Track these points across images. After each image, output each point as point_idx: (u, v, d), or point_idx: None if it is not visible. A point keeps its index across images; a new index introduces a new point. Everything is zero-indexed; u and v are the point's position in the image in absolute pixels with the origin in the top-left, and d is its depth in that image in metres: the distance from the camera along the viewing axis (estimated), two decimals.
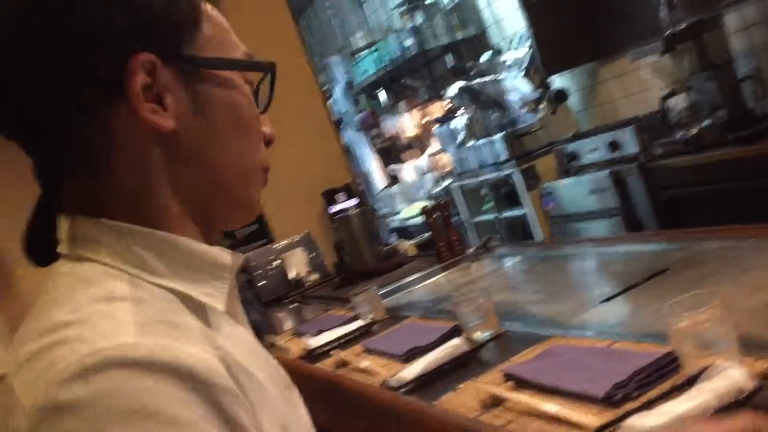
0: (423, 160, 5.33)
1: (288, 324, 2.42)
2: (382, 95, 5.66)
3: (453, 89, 4.24)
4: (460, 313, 1.45)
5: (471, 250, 2.46)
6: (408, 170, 5.52)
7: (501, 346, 1.38)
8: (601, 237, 1.95)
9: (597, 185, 3.44)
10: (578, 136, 3.90)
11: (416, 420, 1.12)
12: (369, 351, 1.62)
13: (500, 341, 1.39)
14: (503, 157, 3.99)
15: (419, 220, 4.56)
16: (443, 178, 4.78)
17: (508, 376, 1.13)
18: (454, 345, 1.36)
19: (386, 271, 2.74)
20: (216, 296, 0.66)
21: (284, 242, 3.16)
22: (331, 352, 1.70)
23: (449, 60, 4.81)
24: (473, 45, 4.62)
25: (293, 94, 3.29)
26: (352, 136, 5.76)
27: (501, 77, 4.06)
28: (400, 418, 1.19)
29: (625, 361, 1.02)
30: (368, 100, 5.76)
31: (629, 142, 3.35)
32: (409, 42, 4.72)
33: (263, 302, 3.00)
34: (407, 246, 3.10)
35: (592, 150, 3.59)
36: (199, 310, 0.63)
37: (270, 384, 0.66)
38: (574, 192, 3.63)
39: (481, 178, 4.22)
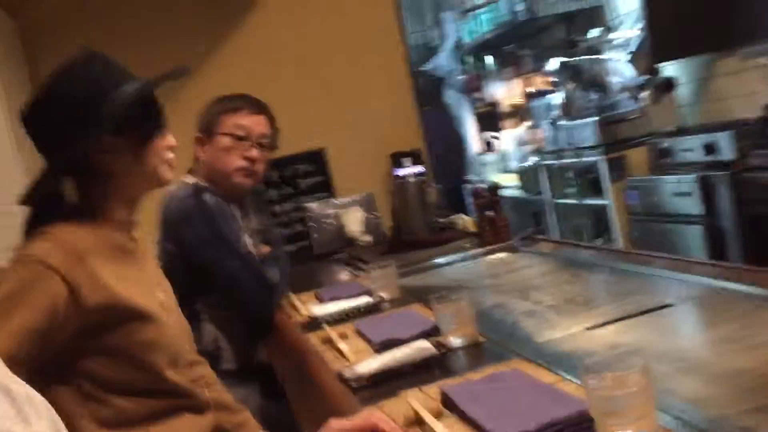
0: (520, 132, 5.16)
1: (316, 282, 2.43)
2: (489, 59, 5.48)
3: (554, 63, 4.04)
4: (438, 314, 1.40)
5: (514, 240, 2.38)
6: (504, 139, 5.37)
7: (470, 356, 1.33)
8: (655, 254, 1.81)
9: (683, 188, 3.21)
10: (680, 132, 3.63)
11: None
12: (357, 332, 1.61)
13: (471, 350, 1.34)
14: (593, 141, 3.79)
15: (503, 191, 4.45)
16: (533, 153, 4.62)
17: (444, 395, 1.09)
18: (419, 347, 1.32)
19: (432, 244, 2.69)
20: None
21: (345, 199, 3.17)
22: (326, 325, 1.70)
23: (561, 31, 4.57)
24: (588, 18, 4.36)
25: (377, 53, 3.24)
26: (453, 96, 5.65)
27: (605, 57, 3.82)
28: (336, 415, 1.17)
29: (548, 406, 0.95)
30: (475, 62, 5.61)
31: (726, 147, 3.08)
32: (520, 7, 4.52)
33: (315, 255, 3.05)
34: (466, 221, 3.03)
35: (687, 149, 3.33)
36: None
37: None
38: (661, 191, 3.40)
39: (568, 160, 4.03)
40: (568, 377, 1.07)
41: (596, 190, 3.92)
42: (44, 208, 1.20)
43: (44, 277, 1.10)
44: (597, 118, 3.77)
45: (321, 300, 2.02)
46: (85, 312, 1.13)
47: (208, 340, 1.96)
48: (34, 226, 1.17)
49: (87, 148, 1.18)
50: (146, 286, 1.26)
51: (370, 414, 1.01)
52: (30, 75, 2.81)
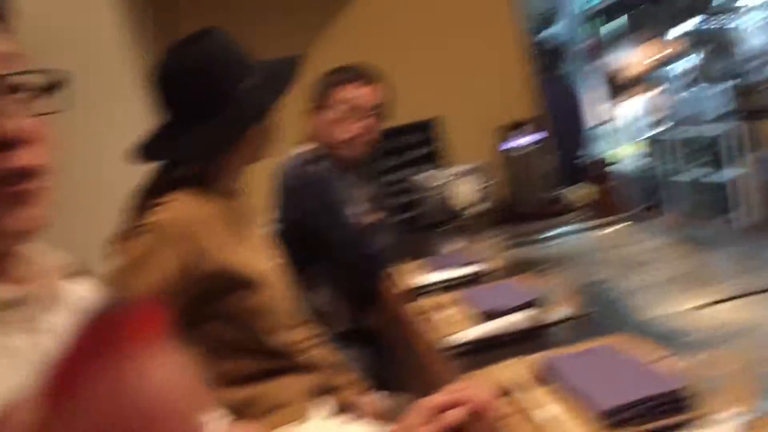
0: (643, 101, 4.92)
1: (423, 252, 2.45)
2: (613, 24, 5.24)
3: (684, 28, 3.82)
4: (542, 286, 1.40)
5: (629, 214, 2.31)
6: (627, 109, 5.14)
7: (571, 329, 1.32)
8: None
9: None
10: None
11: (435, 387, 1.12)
12: (461, 301, 1.63)
13: (573, 324, 1.33)
14: (724, 111, 3.57)
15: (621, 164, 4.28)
16: (656, 124, 4.40)
17: (541, 365, 1.10)
18: (521, 318, 1.33)
19: (543, 217, 2.66)
20: None
21: (456, 169, 3.16)
22: (429, 294, 1.73)
23: None
24: None
25: (489, 22, 3.19)
26: (573, 65, 5.45)
27: (741, 21, 3.57)
28: (433, 382, 1.21)
29: (645, 382, 0.94)
30: (597, 28, 5.37)
31: None
32: None
33: (422, 225, 3.08)
34: (580, 194, 2.96)
35: None
36: None
37: None
38: None
39: (694, 132, 3.82)
40: (670, 355, 1.04)
41: (723, 163, 3.70)
42: (166, 174, 1.29)
43: (165, 244, 1.19)
44: (729, 86, 3.54)
45: (427, 269, 2.05)
46: (200, 279, 1.21)
47: (323, 302, 2.05)
48: (152, 192, 1.26)
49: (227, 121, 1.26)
50: (255, 253, 1.34)
51: (463, 387, 1.01)
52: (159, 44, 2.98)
